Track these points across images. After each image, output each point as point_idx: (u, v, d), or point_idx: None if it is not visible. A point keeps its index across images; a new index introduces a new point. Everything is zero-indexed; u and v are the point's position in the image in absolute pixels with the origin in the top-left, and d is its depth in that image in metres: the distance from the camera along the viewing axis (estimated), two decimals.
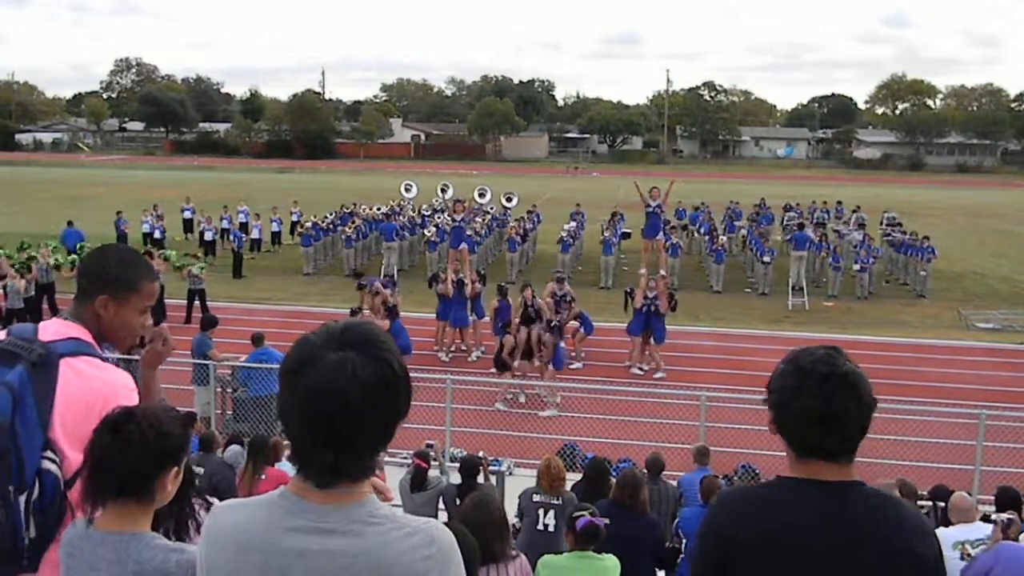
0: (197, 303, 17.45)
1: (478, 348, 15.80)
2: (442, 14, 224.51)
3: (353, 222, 25.25)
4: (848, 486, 1.94)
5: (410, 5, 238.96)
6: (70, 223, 24.45)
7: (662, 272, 16.91)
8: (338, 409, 1.53)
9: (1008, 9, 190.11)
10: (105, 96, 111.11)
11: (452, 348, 15.76)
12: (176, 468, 2.09)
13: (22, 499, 2.01)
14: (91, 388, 2.15)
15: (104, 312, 2.29)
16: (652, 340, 14.91)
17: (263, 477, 6.75)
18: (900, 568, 1.88)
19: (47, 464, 2.05)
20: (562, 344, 13.80)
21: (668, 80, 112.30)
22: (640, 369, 14.93)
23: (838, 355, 1.96)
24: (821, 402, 1.89)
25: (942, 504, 6.85)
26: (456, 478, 7.11)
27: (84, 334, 2.26)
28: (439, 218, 23.97)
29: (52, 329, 2.23)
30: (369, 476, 1.64)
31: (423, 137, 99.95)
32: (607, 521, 5.03)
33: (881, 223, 29.69)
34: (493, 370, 13.68)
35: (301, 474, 1.61)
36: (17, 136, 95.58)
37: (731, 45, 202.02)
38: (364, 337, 1.59)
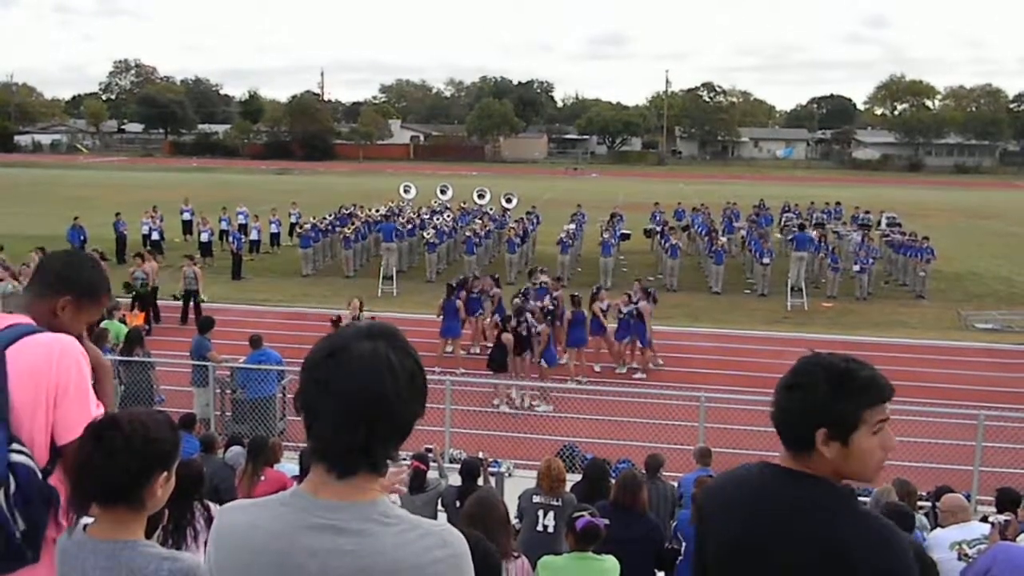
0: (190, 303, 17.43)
1: (476, 343, 15.85)
2: (433, 15, 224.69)
3: (352, 223, 25.20)
4: (818, 480, 1.92)
5: (402, 6, 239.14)
6: (76, 219, 24.59)
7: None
8: (374, 386, 1.56)
9: (988, 9, 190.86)
10: (104, 98, 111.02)
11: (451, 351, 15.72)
12: (165, 473, 2.05)
13: (0, 493, 2.03)
14: (38, 354, 2.14)
15: (61, 313, 2.31)
16: (639, 343, 15.05)
17: (262, 478, 6.75)
18: (829, 569, 1.81)
19: (17, 457, 2.07)
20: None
21: (667, 81, 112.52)
22: (633, 368, 15.02)
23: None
24: None
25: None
26: (455, 480, 7.11)
27: (29, 322, 2.24)
28: (438, 219, 23.91)
29: None
30: (386, 470, 1.67)
31: (422, 138, 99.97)
32: (607, 522, 5.02)
33: (879, 224, 29.71)
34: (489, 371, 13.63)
35: (321, 466, 1.61)
36: (16, 138, 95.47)
37: (719, 46, 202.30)
38: (390, 330, 1.67)
